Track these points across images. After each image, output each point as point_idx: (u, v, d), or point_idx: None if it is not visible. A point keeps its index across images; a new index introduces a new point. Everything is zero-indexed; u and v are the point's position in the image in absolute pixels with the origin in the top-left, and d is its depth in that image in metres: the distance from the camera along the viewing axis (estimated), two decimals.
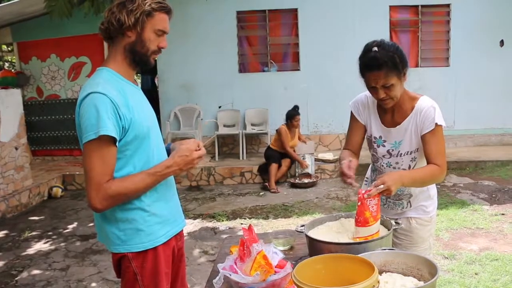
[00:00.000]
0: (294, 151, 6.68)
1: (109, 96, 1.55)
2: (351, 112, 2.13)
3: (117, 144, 1.58)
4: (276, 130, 6.69)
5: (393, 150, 2.02)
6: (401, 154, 2.01)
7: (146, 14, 1.62)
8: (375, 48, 1.81)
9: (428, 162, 1.93)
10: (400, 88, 1.88)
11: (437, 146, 1.91)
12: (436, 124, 1.88)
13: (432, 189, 2.12)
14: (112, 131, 1.53)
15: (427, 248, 2.12)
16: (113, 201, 1.58)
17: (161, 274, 1.72)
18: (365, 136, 2.13)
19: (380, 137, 2.04)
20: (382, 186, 1.72)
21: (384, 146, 2.04)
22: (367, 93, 2.03)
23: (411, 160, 2.01)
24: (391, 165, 2.05)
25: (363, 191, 1.74)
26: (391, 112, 2.00)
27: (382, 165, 2.09)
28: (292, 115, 6.57)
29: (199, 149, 1.70)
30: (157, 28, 1.66)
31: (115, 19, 1.62)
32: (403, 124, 1.97)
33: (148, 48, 1.67)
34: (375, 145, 2.08)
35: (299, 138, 6.91)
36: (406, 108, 1.96)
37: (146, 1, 1.62)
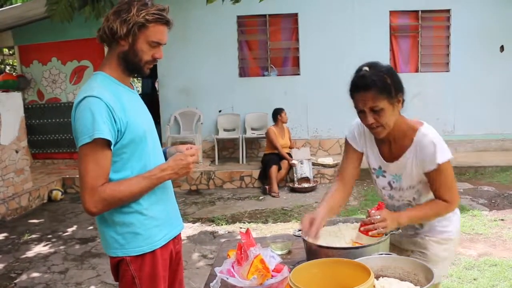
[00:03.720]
0: (289, 153, 6.77)
1: (104, 100, 1.55)
2: (346, 140, 1.98)
3: (112, 147, 1.58)
4: (265, 134, 6.84)
5: (394, 182, 1.88)
6: (402, 188, 1.86)
7: (139, 26, 1.59)
8: (366, 68, 1.69)
9: (435, 197, 1.80)
10: (392, 116, 1.71)
11: (444, 183, 1.75)
12: (446, 161, 1.71)
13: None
14: (107, 135, 1.53)
15: (440, 270, 1.88)
16: (107, 204, 1.57)
17: (159, 277, 1.72)
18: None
19: (380, 167, 1.90)
20: (378, 217, 1.69)
21: (384, 177, 1.90)
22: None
23: (415, 193, 1.86)
24: (394, 197, 1.91)
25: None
26: (388, 143, 1.85)
27: (384, 196, 1.96)
28: (279, 111, 6.84)
29: (194, 155, 1.70)
30: (151, 40, 1.63)
31: (108, 28, 1.61)
32: (402, 159, 1.81)
33: (141, 58, 1.65)
34: (374, 176, 1.94)
35: (291, 146, 6.98)
36: (404, 141, 1.79)
37: (141, 12, 1.58)
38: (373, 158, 1.92)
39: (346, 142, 1.98)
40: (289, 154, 6.78)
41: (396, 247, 1.98)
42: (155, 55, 1.68)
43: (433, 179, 1.76)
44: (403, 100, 1.74)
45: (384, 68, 1.70)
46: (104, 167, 1.57)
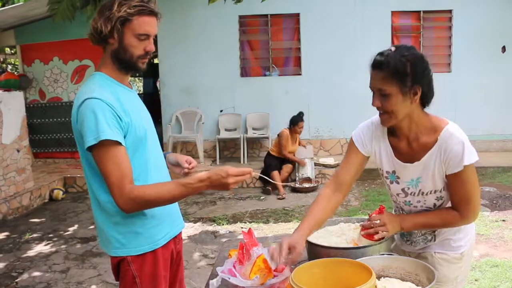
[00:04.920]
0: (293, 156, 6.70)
1: (105, 101, 1.55)
2: (352, 141, 1.76)
3: (123, 144, 1.57)
4: (278, 134, 6.70)
5: (408, 188, 1.70)
6: (422, 193, 1.69)
7: (122, 21, 1.57)
8: (392, 48, 1.55)
9: (452, 206, 1.66)
10: (403, 106, 1.55)
11: (463, 191, 1.58)
12: (470, 165, 1.55)
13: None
14: (112, 135, 1.52)
15: None
16: (137, 204, 1.56)
17: (160, 277, 1.72)
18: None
19: (393, 172, 1.71)
20: (378, 221, 1.64)
21: (397, 183, 1.73)
22: (374, 119, 1.74)
23: (436, 199, 1.69)
24: (411, 203, 1.74)
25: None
26: (407, 142, 1.66)
27: (399, 203, 1.79)
28: (297, 121, 6.54)
29: (238, 176, 1.58)
30: (138, 33, 1.60)
31: (94, 28, 1.60)
32: (422, 161, 1.62)
33: (132, 54, 1.62)
34: (387, 181, 1.76)
35: (299, 143, 6.91)
36: (426, 140, 1.61)
37: (123, 7, 1.56)
38: (386, 161, 1.72)
39: (351, 143, 1.77)
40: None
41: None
42: (147, 48, 1.64)
43: (452, 184, 1.60)
44: (425, 94, 1.56)
45: (410, 54, 1.53)
46: (122, 165, 1.55)
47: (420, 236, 1.77)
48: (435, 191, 1.67)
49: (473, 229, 1.81)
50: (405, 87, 1.51)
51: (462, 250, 1.74)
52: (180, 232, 1.91)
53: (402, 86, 1.51)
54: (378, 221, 1.66)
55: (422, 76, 1.54)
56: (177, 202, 1.89)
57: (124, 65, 1.66)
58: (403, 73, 1.50)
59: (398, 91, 1.52)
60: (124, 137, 1.60)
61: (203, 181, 1.56)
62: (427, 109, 1.65)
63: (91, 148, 1.54)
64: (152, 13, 1.62)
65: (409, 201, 1.74)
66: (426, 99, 1.58)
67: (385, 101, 1.55)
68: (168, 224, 1.78)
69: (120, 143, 1.55)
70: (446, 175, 1.61)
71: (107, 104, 1.54)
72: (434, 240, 1.75)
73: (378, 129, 1.72)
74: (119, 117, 1.56)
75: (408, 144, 1.66)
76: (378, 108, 1.59)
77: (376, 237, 1.66)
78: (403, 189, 1.72)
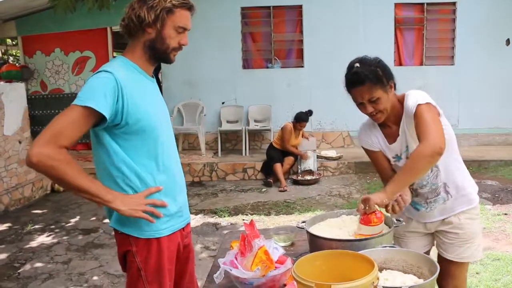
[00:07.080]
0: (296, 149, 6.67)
1: (116, 77, 1.55)
2: (364, 148, 2.08)
3: (104, 124, 1.55)
4: (281, 128, 6.66)
5: (407, 156, 1.96)
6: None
7: (167, 11, 1.62)
8: (357, 64, 1.84)
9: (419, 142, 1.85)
10: (388, 100, 1.85)
11: (422, 124, 1.76)
12: (418, 105, 1.79)
13: (464, 170, 2.02)
14: (102, 108, 1.51)
15: (479, 245, 2.01)
16: (46, 167, 1.48)
17: (164, 270, 1.71)
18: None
19: (397, 155, 1.99)
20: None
21: (402, 159, 1.99)
22: (364, 120, 2.06)
23: None
24: None
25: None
26: (392, 124, 1.97)
27: None
28: (300, 119, 6.48)
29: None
30: (178, 25, 1.66)
31: (135, 16, 1.61)
32: (401, 129, 1.93)
33: (168, 45, 1.67)
34: (396, 163, 2.01)
35: (302, 136, 6.88)
36: (399, 113, 1.92)
37: None
38: (386, 150, 2.01)
39: (366, 150, 2.08)
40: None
41: (415, 233, 2.08)
42: (181, 41, 1.70)
43: (416, 123, 1.79)
44: (395, 84, 1.89)
45: (374, 61, 1.85)
46: (76, 133, 1.53)
47: (435, 197, 1.97)
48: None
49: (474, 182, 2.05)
50: (385, 86, 1.83)
51: (477, 201, 2.01)
52: (188, 225, 1.90)
53: (383, 86, 1.83)
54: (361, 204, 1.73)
55: (389, 72, 1.87)
56: (186, 196, 1.88)
57: (158, 55, 1.69)
58: (380, 77, 1.82)
59: (383, 92, 1.83)
60: (127, 123, 1.59)
61: (109, 193, 1.57)
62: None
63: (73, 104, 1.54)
64: (192, 8, 1.69)
65: None
66: (395, 86, 1.90)
67: (376, 104, 1.84)
68: (176, 217, 1.77)
69: (95, 120, 1.53)
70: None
71: (116, 81, 1.55)
72: (451, 196, 1.96)
73: (370, 126, 2.03)
74: (122, 99, 1.56)
75: (393, 127, 1.97)
76: (371, 113, 1.87)
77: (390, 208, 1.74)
78: (406, 157, 1.96)
